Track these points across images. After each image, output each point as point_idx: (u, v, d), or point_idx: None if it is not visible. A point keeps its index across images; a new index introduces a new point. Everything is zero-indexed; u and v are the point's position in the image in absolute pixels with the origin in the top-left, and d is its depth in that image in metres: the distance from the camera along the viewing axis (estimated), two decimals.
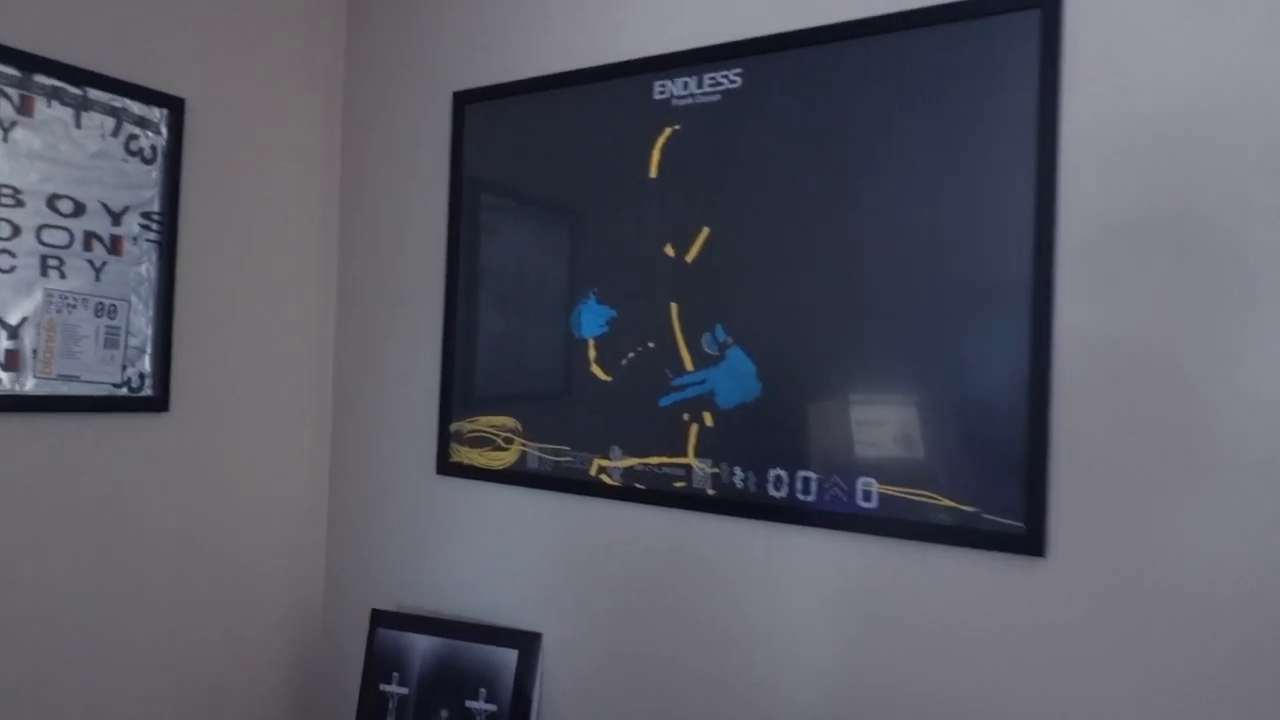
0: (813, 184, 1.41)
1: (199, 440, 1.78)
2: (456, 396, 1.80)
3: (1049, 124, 1.22)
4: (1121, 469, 1.18)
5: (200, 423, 1.78)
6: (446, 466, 1.81)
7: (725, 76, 1.50)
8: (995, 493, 1.25)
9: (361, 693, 1.77)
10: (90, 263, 1.59)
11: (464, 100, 1.81)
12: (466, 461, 1.78)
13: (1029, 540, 1.22)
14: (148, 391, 1.68)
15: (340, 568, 2.00)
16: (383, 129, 1.97)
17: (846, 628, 1.37)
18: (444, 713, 1.69)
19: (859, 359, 1.36)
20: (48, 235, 1.53)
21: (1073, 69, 1.22)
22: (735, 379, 1.47)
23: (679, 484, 1.52)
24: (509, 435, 1.73)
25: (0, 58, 1.46)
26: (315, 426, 2.01)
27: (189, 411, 1.76)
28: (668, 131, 1.56)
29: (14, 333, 1.49)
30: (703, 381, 1.50)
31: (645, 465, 1.56)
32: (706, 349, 1.50)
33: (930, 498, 1.30)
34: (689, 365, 1.52)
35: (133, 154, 1.65)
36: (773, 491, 1.43)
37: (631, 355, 1.58)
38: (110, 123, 1.61)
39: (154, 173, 1.68)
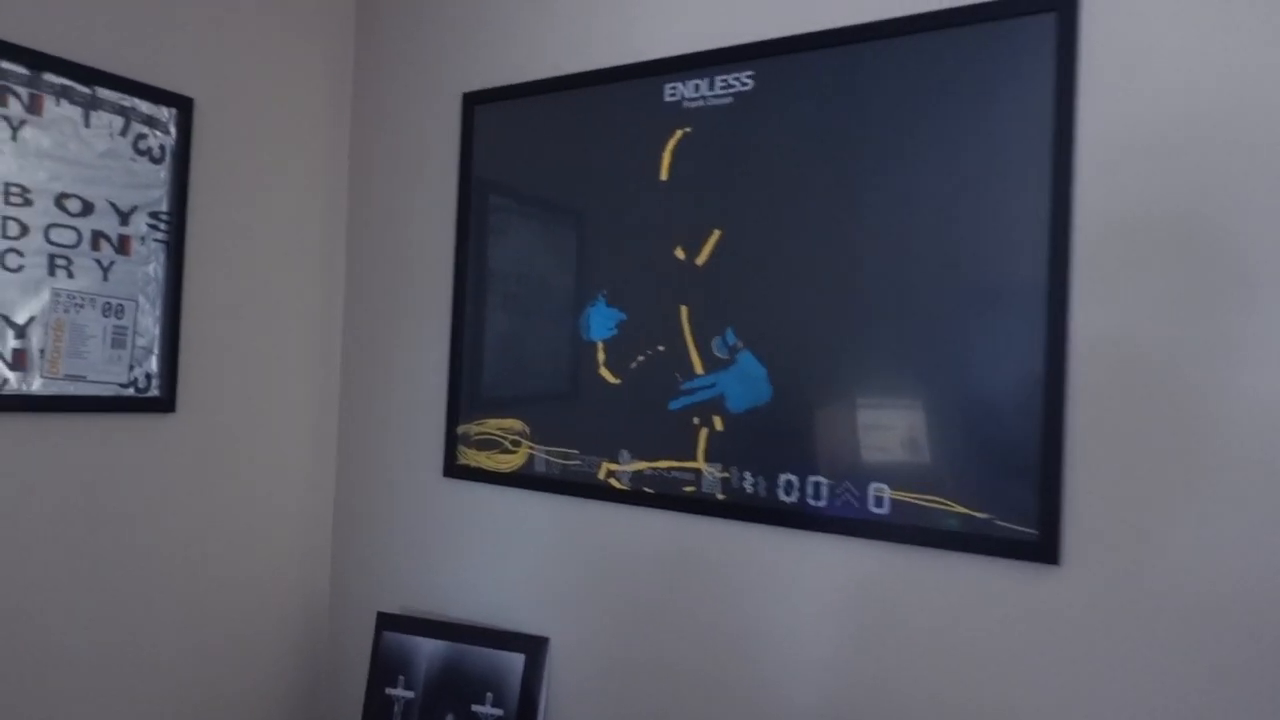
0: (825, 187, 1.40)
1: (205, 441, 1.77)
2: (464, 399, 1.80)
3: (1065, 127, 1.21)
4: (1138, 474, 1.16)
5: (207, 423, 1.77)
6: (453, 469, 1.80)
7: (737, 79, 1.49)
8: (1008, 499, 1.24)
9: (367, 696, 1.76)
10: (98, 262, 1.58)
11: (473, 101, 1.81)
12: (474, 464, 1.77)
13: (1042, 547, 1.21)
14: (155, 392, 1.67)
15: (346, 570, 1.99)
16: (391, 130, 1.97)
17: (856, 635, 1.36)
18: (450, 717, 1.68)
19: (873, 363, 1.35)
20: (56, 234, 1.52)
21: (1089, 72, 1.21)
22: (746, 383, 1.46)
23: (688, 488, 1.51)
24: (517, 438, 1.72)
25: (9, 56, 1.46)
26: (322, 428, 2.00)
27: (195, 412, 1.75)
28: (679, 134, 1.55)
29: (21, 332, 1.49)
30: (713, 385, 1.50)
31: (654, 469, 1.55)
32: (717, 352, 1.49)
33: (943, 504, 1.29)
34: (699, 369, 1.51)
35: (141, 153, 1.64)
36: (783, 497, 1.42)
37: (641, 358, 1.57)
38: (119, 122, 1.61)
39: (162, 172, 1.67)
